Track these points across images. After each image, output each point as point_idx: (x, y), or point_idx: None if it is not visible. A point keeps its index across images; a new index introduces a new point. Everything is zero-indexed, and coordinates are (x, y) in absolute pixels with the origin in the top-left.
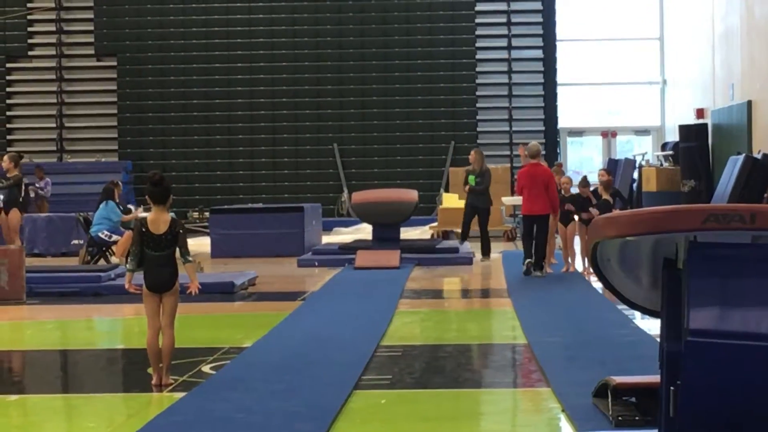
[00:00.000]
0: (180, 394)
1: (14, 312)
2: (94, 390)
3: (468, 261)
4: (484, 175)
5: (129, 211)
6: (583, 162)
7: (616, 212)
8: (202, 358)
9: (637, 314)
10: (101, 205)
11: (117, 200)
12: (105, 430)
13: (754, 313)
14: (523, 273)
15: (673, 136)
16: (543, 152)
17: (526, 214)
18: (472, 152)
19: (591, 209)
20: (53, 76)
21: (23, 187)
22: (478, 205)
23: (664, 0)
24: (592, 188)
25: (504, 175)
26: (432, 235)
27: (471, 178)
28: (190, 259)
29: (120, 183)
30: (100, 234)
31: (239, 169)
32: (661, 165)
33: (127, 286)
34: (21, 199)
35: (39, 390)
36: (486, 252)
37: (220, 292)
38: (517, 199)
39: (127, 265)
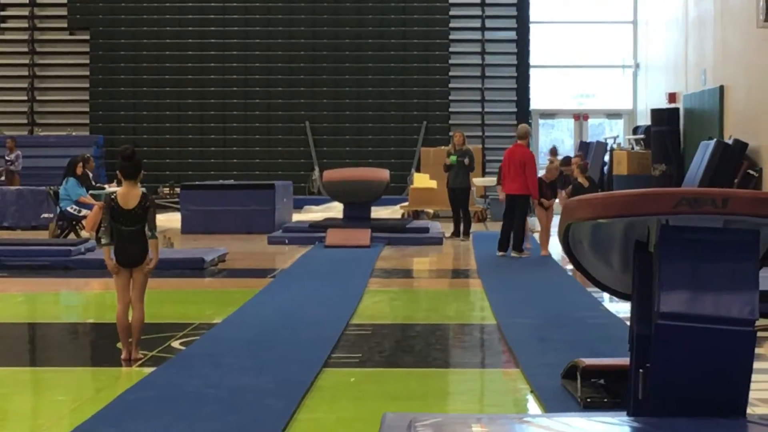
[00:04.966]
0: (149, 369)
1: None
2: (62, 363)
3: (438, 241)
4: (467, 155)
5: (101, 188)
6: (554, 144)
7: (588, 194)
8: (171, 334)
9: (607, 296)
10: (63, 182)
11: (80, 175)
12: (73, 403)
13: (723, 296)
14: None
15: (644, 120)
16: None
17: (506, 194)
18: (457, 133)
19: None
20: (25, 49)
21: None
22: (456, 186)
23: None
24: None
25: (476, 156)
26: (403, 215)
27: (452, 158)
28: (156, 235)
29: (91, 157)
30: (68, 209)
31: (211, 145)
32: (633, 148)
33: (108, 263)
34: None
35: (7, 363)
36: (466, 231)
37: (189, 268)
38: (487, 180)
39: (102, 241)
